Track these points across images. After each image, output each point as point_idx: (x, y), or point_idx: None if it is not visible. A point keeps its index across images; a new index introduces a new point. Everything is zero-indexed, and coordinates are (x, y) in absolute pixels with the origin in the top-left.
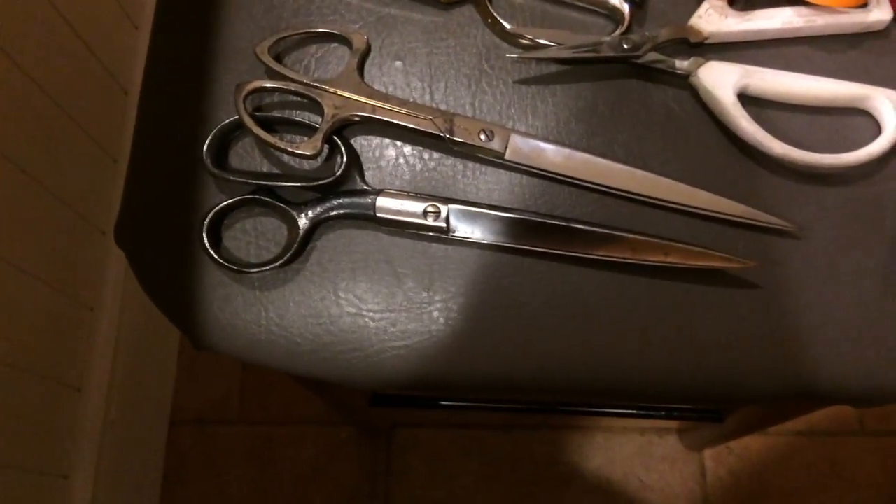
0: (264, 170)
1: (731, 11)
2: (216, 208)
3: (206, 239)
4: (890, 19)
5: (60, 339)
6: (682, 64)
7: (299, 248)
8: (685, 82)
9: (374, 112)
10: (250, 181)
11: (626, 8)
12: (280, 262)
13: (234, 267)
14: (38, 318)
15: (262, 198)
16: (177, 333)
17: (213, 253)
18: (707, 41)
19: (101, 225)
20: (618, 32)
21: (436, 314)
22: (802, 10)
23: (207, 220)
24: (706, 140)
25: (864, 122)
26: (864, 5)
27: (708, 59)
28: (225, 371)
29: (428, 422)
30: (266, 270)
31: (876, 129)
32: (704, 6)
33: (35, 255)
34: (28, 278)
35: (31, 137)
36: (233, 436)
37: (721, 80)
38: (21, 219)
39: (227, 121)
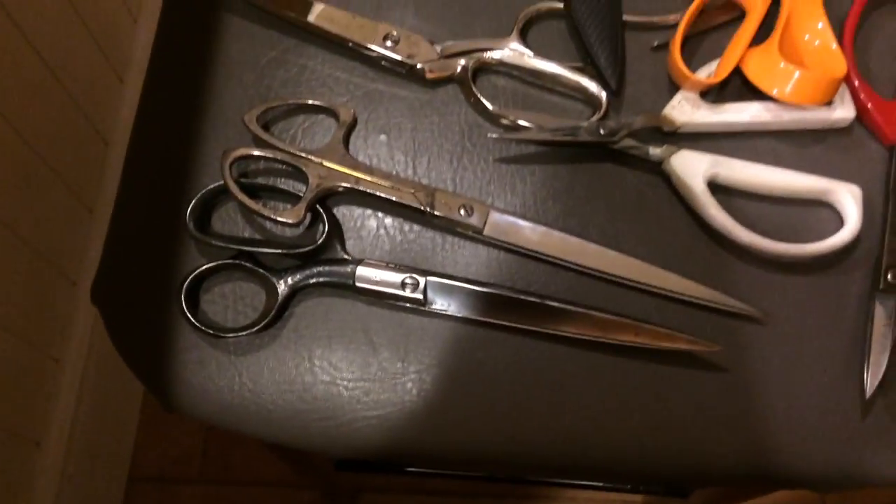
0: (246, 235)
1: (702, 103)
2: (196, 272)
3: (184, 302)
4: (853, 118)
5: (22, 389)
6: (655, 151)
7: (277, 314)
8: (658, 168)
9: (357, 184)
10: (231, 246)
11: (603, 95)
12: (257, 328)
13: (211, 331)
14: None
15: (242, 263)
16: (140, 388)
17: (190, 316)
18: (679, 130)
19: (72, 275)
20: (595, 118)
21: (409, 385)
22: (770, 105)
23: (187, 283)
24: (677, 225)
25: (827, 214)
26: (830, 103)
27: (680, 148)
28: (188, 428)
29: (393, 488)
30: (242, 336)
31: (839, 221)
32: (678, 97)
33: (0, 301)
34: None
35: (5, 183)
36: (193, 496)
37: (692, 169)
38: None
39: (212, 186)
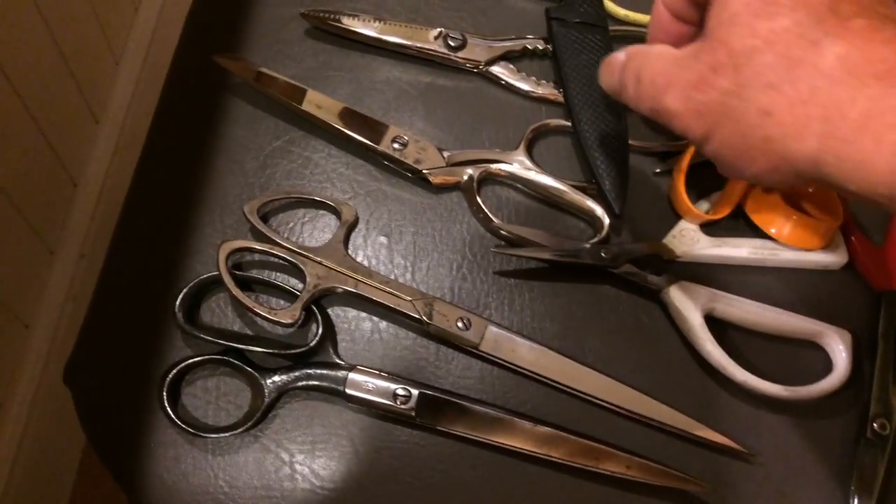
0: (236, 328)
1: (702, 236)
2: (180, 365)
3: (165, 395)
4: (845, 262)
5: None
6: (654, 279)
7: (262, 416)
8: (656, 296)
9: (355, 287)
10: (220, 341)
11: (606, 219)
12: (240, 429)
13: (191, 429)
14: None
15: (229, 359)
16: (82, 436)
17: (170, 411)
18: (679, 259)
19: (26, 318)
20: (596, 239)
21: (394, 499)
22: (768, 243)
23: (170, 376)
24: (671, 355)
25: (817, 356)
26: (825, 247)
27: (678, 278)
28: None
29: None
30: (223, 437)
31: (828, 362)
32: (678, 227)
33: None
34: None
35: None
36: None
37: (690, 302)
38: None
39: (206, 276)
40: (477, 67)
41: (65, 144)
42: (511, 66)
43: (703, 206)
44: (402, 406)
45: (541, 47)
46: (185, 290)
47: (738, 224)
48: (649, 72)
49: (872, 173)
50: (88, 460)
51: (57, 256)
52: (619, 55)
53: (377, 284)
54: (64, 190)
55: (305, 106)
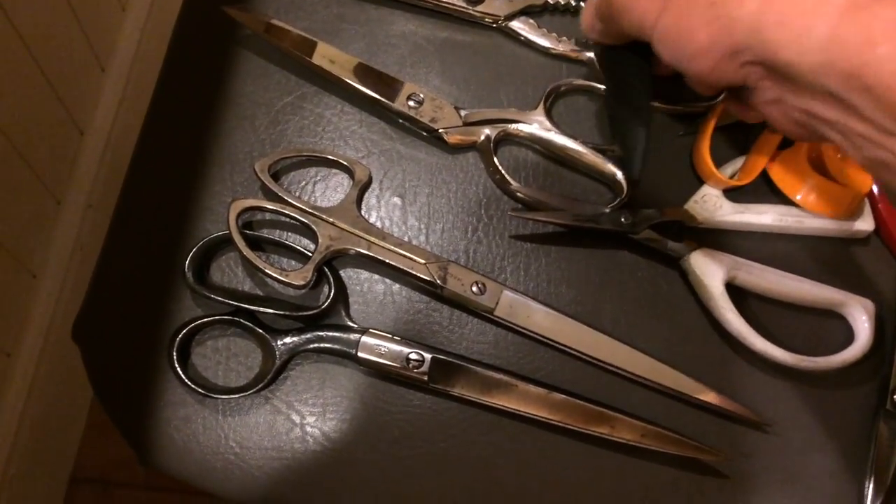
0: (246, 288)
1: (725, 201)
2: (191, 325)
3: (175, 355)
4: (871, 230)
5: None
6: (674, 246)
7: (272, 378)
8: (676, 263)
9: (368, 249)
10: (231, 302)
11: (626, 183)
12: (251, 391)
13: (201, 389)
14: None
15: (240, 320)
16: (89, 388)
17: (179, 371)
18: (700, 226)
19: (33, 268)
20: (616, 203)
21: (405, 463)
22: (793, 210)
23: (180, 335)
24: (690, 322)
25: (839, 326)
26: (851, 215)
27: (699, 244)
28: None
29: None
30: (234, 398)
31: (850, 333)
32: (701, 192)
33: None
34: None
35: None
36: (135, 500)
37: (710, 269)
38: None
39: (216, 234)
40: (496, 22)
41: (70, 93)
42: (531, 21)
43: (727, 170)
44: (415, 370)
45: (563, 1)
46: (194, 250)
47: (762, 190)
48: None
49: (811, 37)
50: (97, 411)
51: (64, 206)
52: None
53: (390, 247)
54: (70, 139)
55: (317, 60)
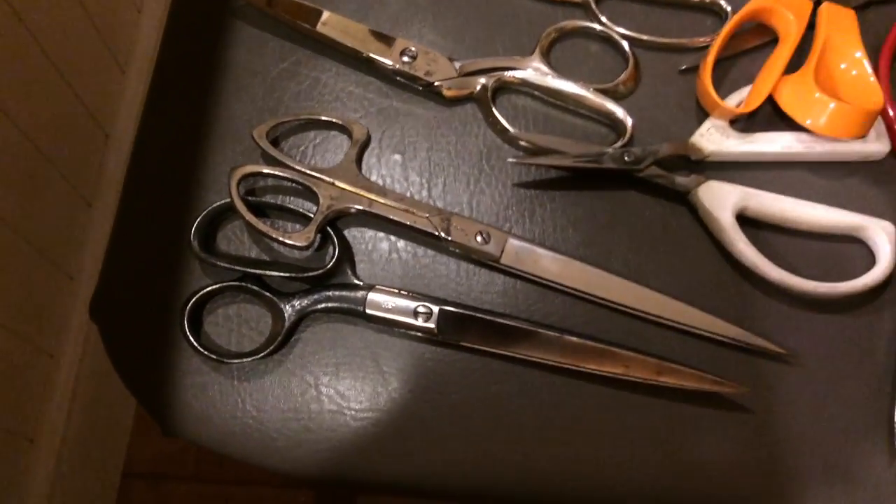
0: (253, 255)
1: (732, 132)
2: (199, 293)
3: (186, 324)
4: (887, 151)
5: (16, 386)
6: (681, 181)
7: (283, 340)
8: (684, 198)
9: (370, 206)
10: (237, 267)
11: (629, 120)
12: (262, 353)
13: (214, 356)
14: None
15: (248, 285)
16: None
17: (192, 339)
18: (707, 159)
19: (70, 270)
20: (619, 144)
21: (420, 417)
22: (803, 136)
23: (190, 304)
24: (702, 258)
25: (859, 251)
26: (864, 136)
27: (707, 178)
28: None
29: (392, 489)
30: (247, 361)
31: (871, 257)
32: (706, 125)
33: None
34: None
35: (2, 175)
36: (186, 494)
37: (720, 201)
38: None
39: (218, 203)
40: None
41: (93, 96)
42: None
43: (733, 100)
44: (424, 324)
45: None
46: (198, 220)
47: (770, 118)
48: None
49: None
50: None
51: (95, 208)
52: None
53: (392, 203)
54: (96, 142)
55: (310, 24)
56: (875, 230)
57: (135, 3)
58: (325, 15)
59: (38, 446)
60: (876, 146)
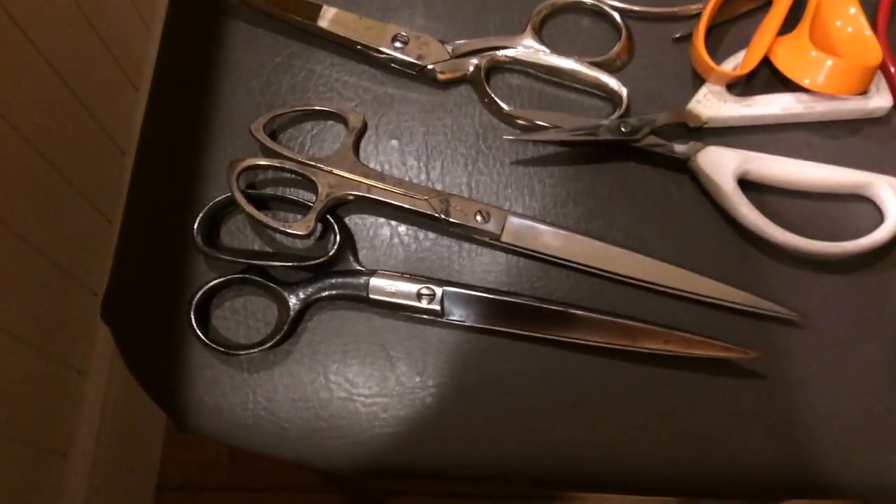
0: (256, 247)
1: (729, 97)
2: (205, 287)
3: (193, 319)
4: (890, 106)
5: (47, 402)
6: (680, 148)
7: (290, 329)
8: (684, 166)
9: (368, 192)
10: (240, 260)
11: (624, 91)
12: (269, 344)
13: (222, 349)
14: (23, 382)
15: (252, 277)
16: None
17: (200, 333)
18: (706, 125)
19: (94, 286)
20: (616, 115)
21: (429, 400)
22: (802, 96)
23: (196, 299)
24: (706, 225)
25: (866, 209)
26: (865, 93)
27: (706, 144)
28: None
29: (421, 490)
30: (255, 352)
31: (878, 215)
32: (703, 91)
33: (23, 316)
34: (14, 340)
35: (23, 197)
36: (221, 502)
37: (720, 166)
38: (10, 280)
39: (219, 198)
40: None
41: (107, 115)
42: None
43: (729, 65)
44: (428, 305)
45: None
46: (201, 215)
47: (768, 80)
48: None
49: None
50: None
51: (115, 224)
52: None
53: (390, 187)
54: (112, 159)
55: (306, 18)
56: (881, 186)
57: (143, 21)
58: (315, 6)
59: (71, 461)
60: (877, 102)
